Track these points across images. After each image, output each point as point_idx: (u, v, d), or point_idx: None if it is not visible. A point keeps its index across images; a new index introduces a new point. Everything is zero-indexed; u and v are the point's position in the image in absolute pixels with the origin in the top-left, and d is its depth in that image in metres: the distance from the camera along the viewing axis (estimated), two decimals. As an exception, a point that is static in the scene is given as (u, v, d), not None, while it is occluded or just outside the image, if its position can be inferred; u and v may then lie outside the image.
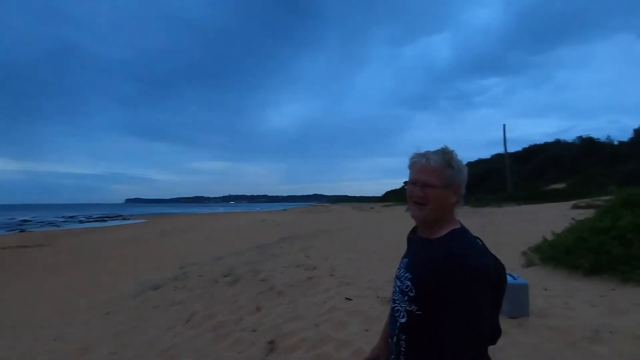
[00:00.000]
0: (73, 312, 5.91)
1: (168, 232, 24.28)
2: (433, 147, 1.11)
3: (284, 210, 65.27)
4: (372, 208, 47.68)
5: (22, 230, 32.31)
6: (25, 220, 48.16)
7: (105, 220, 48.63)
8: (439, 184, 1.03)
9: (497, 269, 1.05)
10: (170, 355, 3.08)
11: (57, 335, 4.74)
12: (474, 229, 1.12)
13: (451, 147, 1.09)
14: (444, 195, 1.03)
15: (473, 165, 46.21)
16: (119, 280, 8.34)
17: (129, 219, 50.32)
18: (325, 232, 11.51)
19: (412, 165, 1.09)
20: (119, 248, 16.77)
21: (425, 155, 1.07)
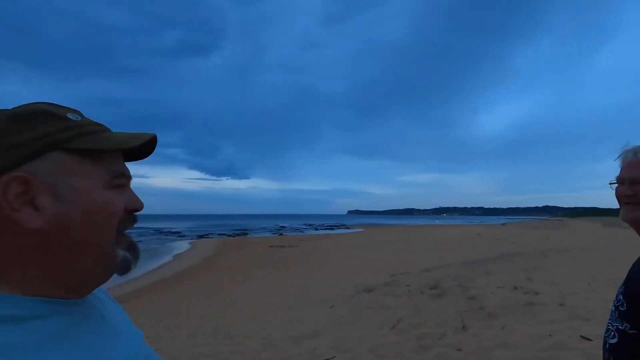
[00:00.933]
0: (309, 301, 7.36)
1: (382, 242, 26.20)
2: None
3: (503, 224, 57.52)
4: (641, 224, 34.60)
5: (281, 234, 43.07)
6: (283, 227, 64.01)
7: (333, 228, 57.89)
8: None
9: None
10: (377, 354, 3.35)
11: (299, 317, 6.04)
12: None
13: None
14: None
15: None
16: (341, 279, 9.72)
17: (350, 228, 57.85)
18: (557, 252, 9.36)
19: (621, 163, 0.92)
20: (343, 252, 19.53)
21: (634, 149, 0.91)
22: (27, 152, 0.40)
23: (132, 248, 0.46)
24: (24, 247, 0.39)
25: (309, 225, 73.14)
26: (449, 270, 7.73)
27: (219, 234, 43.78)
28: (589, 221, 47.04)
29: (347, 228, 58.65)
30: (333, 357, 3.57)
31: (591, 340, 2.61)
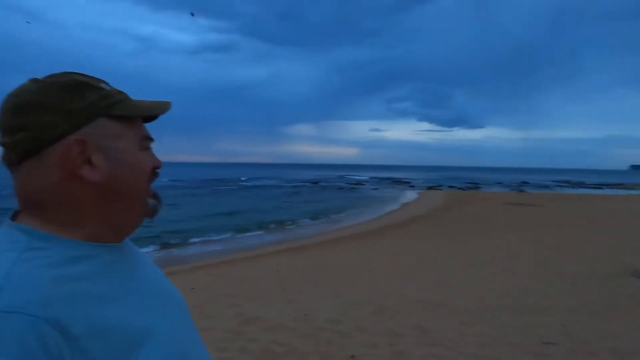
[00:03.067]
0: (544, 271, 6.23)
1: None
2: None
3: None
4: None
5: (521, 191, 37.46)
6: (525, 182, 55.23)
7: (601, 188, 44.47)
8: None
9: None
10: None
11: (525, 286, 5.26)
12: None
13: None
14: None
15: None
16: (602, 254, 7.55)
17: (632, 189, 42.59)
18: None
19: None
20: (612, 218, 14.91)
21: None
22: (82, 118, 0.48)
23: (157, 197, 0.56)
24: (86, 199, 0.50)
25: (564, 182, 59.34)
26: None
27: (449, 186, 43.08)
28: None
29: (626, 188, 43.53)
30: (555, 344, 2.96)
31: None
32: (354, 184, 46.26)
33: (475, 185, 45.96)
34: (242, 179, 59.21)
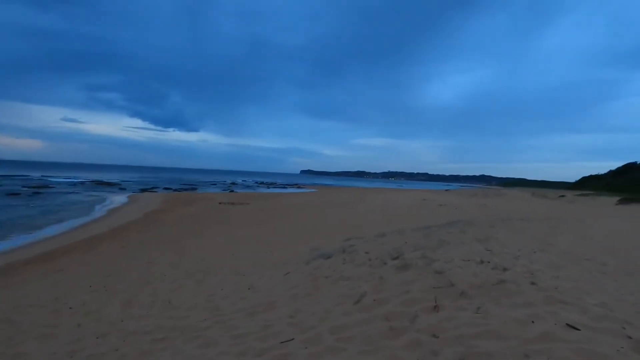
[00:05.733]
0: (262, 265, 6.89)
1: (334, 202, 26.38)
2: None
3: (445, 190, 61.41)
4: (562, 197, 39.02)
5: (232, 191, 41.68)
6: (234, 183, 62.38)
7: (286, 187, 57.64)
8: None
9: None
10: (342, 337, 2.96)
11: (250, 284, 5.55)
12: None
13: None
14: None
15: None
16: (296, 241, 9.36)
17: (302, 188, 57.98)
18: (503, 222, 9.77)
19: None
20: (296, 212, 19.24)
21: None
22: None
23: None
24: None
25: (261, 182, 72.18)
26: (404, 236, 7.64)
27: (165, 188, 41.36)
28: (520, 191, 51.63)
29: (299, 187, 58.75)
30: (291, 340, 3.13)
31: (579, 330, 2.40)
32: (38, 187, 34.94)
33: (191, 187, 46.79)
34: None
